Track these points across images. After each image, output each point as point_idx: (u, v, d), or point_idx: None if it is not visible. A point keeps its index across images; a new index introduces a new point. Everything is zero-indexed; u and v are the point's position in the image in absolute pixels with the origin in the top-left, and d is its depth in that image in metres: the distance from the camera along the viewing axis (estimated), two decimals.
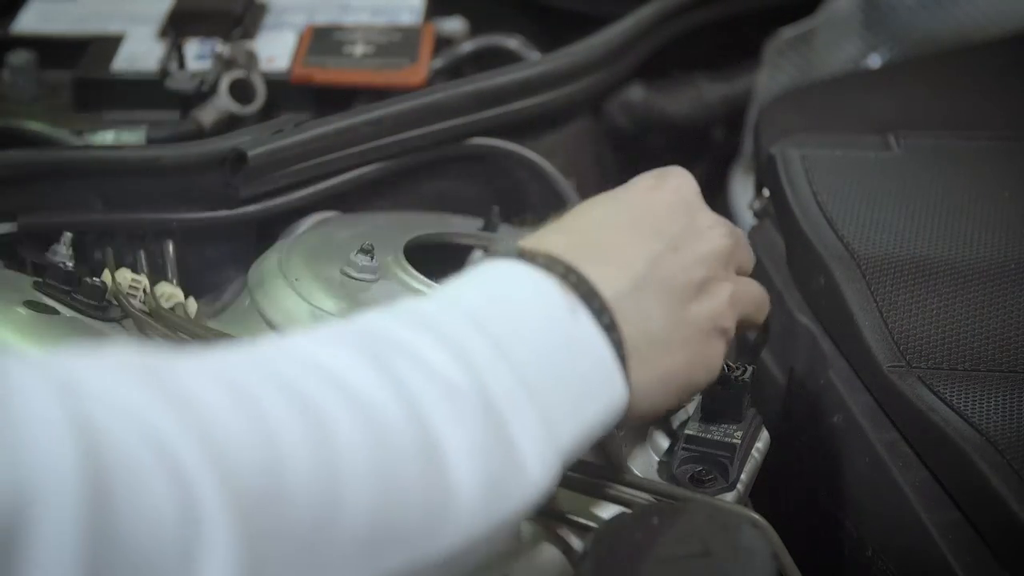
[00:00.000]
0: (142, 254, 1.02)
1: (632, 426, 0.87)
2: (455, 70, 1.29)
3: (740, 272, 0.83)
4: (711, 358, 0.78)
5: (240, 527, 0.53)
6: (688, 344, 0.76)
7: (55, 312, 0.90)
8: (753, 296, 0.84)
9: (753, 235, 1.16)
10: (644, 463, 0.87)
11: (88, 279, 0.92)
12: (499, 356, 0.66)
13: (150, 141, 1.13)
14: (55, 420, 0.50)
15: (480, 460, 0.62)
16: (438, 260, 0.99)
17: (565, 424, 0.68)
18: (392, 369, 0.62)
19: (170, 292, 0.97)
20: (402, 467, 0.60)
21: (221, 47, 1.22)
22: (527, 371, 0.66)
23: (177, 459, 0.52)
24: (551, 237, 0.74)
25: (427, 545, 0.60)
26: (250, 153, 1.03)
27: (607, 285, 0.72)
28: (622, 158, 1.37)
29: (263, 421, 0.56)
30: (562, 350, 0.69)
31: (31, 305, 0.90)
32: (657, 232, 0.77)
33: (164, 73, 1.19)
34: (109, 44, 1.25)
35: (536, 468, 0.65)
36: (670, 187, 0.82)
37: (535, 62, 1.25)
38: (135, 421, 0.52)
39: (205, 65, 1.20)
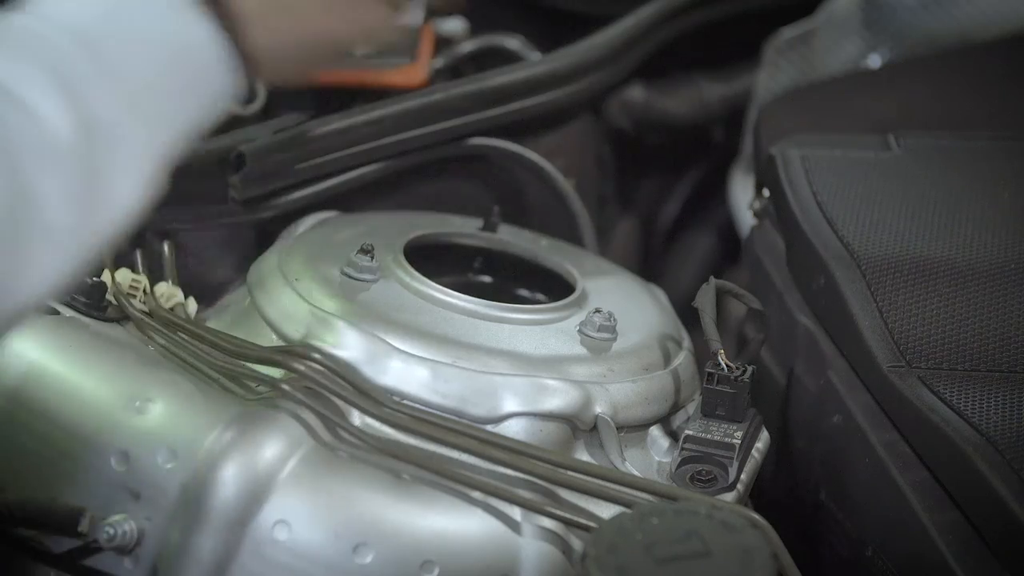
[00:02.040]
0: (142, 254, 1.02)
1: (630, 428, 0.88)
2: (455, 70, 1.28)
3: None
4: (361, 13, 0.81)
5: None
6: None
7: (55, 312, 0.90)
8: None
9: (753, 235, 1.16)
10: (644, 463, 0.87)
11: (88, 279, 0.92)
12: (102, 74, 0.70)
13: None
14: None
15: (73, 205, 0.67)
16: (438, 260, 0.99)
17: (167, 129, 0.72)
18: None
19: (170, 292, 0.97)
20: None
21: None
22: (131, 86, 0.70)
23: None
24: None
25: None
26: (249, 153, 1.03)
27: None
28: (622, 158, 1.37)
29: None
30: (164, 52, 0.73)
31: None
32: None
33: None
34: None
35: (128, 194, 0.70)
36: None
37: (535, 62, 1.25)
38: None
39: None
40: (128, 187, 0.71)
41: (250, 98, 1.11)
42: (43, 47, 0.69)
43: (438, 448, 0.82)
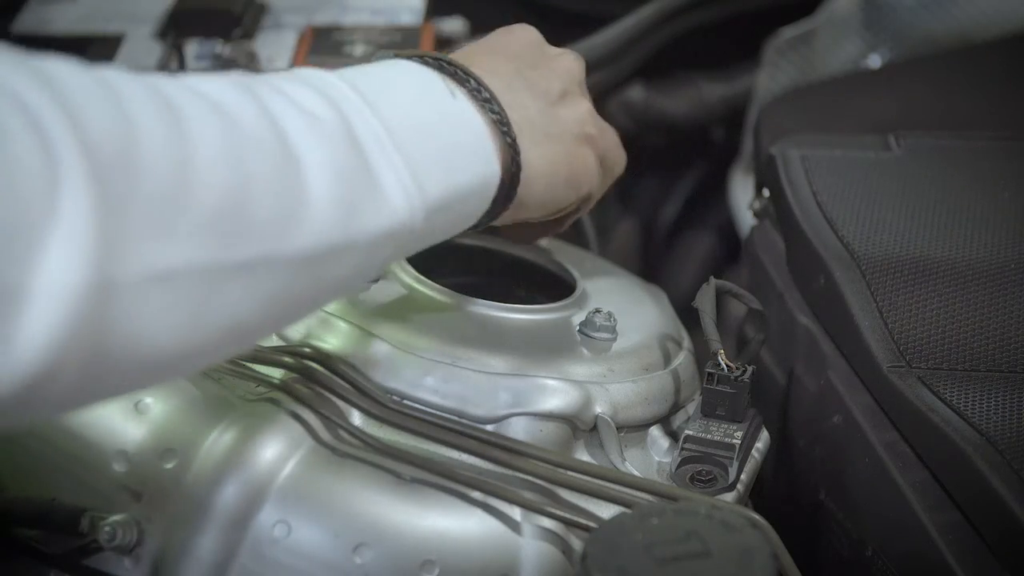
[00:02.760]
0: None
1: (630, 428, 0.88)
2: None
3: None
4: (587, 159, 0.86)
5: (96, 185, 0.57)
6: (564, 139, 0.85)
7: None
8: (610, 130, 0.92)
9: (753, 235, 1.16)
10: (644, 463, 0.87)
11: None
12: (368, 107, 0.71)
13: None
14: None
15: (336, 178, 0.67)
16: (438, 260, 0.99)
17: (432, 175, 0.73)
18: (262, 98, 0.67)
19: None
20: (257, 167, 0.64)
21: (221, 48, 1.22)
22: (396, 125, 0.72)
23: (40, 122, 0.56)
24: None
25: (279, 243, 0.65)
26: None
27: (483, 79, 0.79)
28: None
29: (123, 103, 0.60)
30: (436, 117, 0.75)
31: None
32: (517, 56, 0.86)
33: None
34: (109, 44, 1.24)
35: (397, 197, 0.70)
36: (518, 31, 0.91)
37: None
38: (5, 96, 0.56)
39: (205, 66, 1.20)
40: (392, 192, 0.70)
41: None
42: (316, 80, 0.72)
43: (438, 448, 0.82)
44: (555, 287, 1.00)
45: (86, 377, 0.59)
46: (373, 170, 0.70)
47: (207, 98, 0.64)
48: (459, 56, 0.83)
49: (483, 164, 0.77)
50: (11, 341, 0.56)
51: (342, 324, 0.86)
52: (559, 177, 0.84)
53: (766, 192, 1.15)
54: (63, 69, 0.60)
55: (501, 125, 0.79)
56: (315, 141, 0.67)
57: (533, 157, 0.81)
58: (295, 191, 0.65)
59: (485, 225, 0.83)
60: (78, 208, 0.57)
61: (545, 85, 0.85)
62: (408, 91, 0.76)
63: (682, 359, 0.93)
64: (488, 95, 0.79)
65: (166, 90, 0.63)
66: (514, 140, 0.79)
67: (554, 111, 0.85)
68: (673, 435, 0.89)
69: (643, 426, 0.89)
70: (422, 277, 0.93)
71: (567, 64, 0.89)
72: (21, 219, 0.55)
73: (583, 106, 0.88)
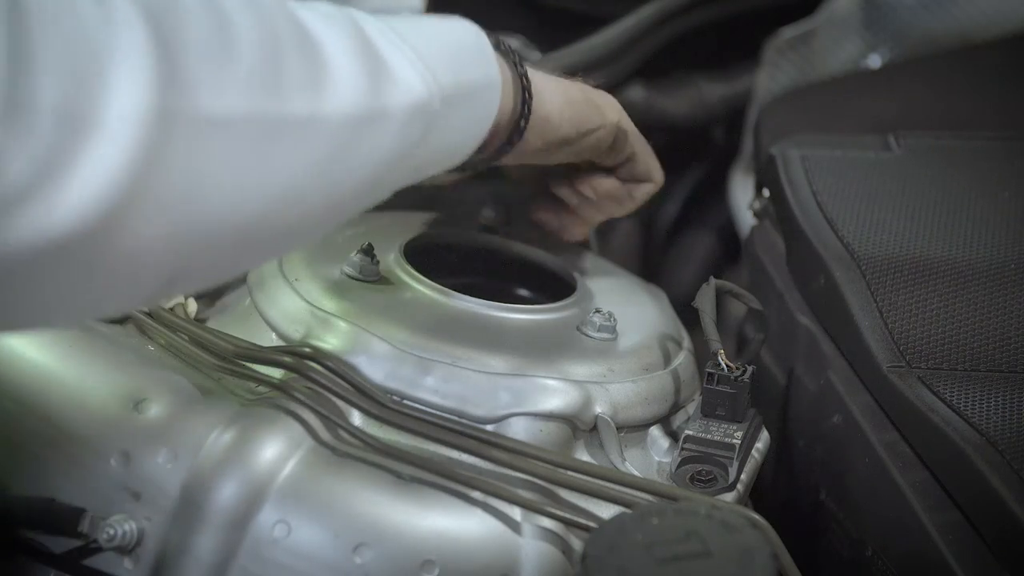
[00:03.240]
0: None
1: (630, 428, 0.88)
2: None
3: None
4: (604, 95, 0.96)
5: (150, 24, 0.62)
6: (575, 84, 0.95)
7: None
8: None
9: (753, 235, 1.16)
10: (644, 463, 0.87)
11: None
12: (378, 19, 0.77)
13: None
14: None
15: (352, 54, 0.72)
16: (438, 260, 0.99)
17: (440, 65, 0.78)
18: None
19: None
20: (283, 33, 0.69)
21: None
22: (398, 26, 0.77)
23: None
24: None
25: (318, 101, 0.69)
26: None
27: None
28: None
29: None
30: (437, 26, 0.82)
31: None
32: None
33: None
34: None
35: (412, 77, 0.75)
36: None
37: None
38: None
39: None
40: (404, 72, 0.75)
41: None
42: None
43: (438, 448, 0.82)
44: (555, 287, 1.00)
45: (157, 211, 0.62)
46: (383, 53, 0.75)
47: None
48: None
49: (486, 64, 0.83)
50: (86, 165, 0.59)
51: (342, 324, 0.86)
52: (573, 93, 0.92)
53: (766, 192, 1.15)
54: None
55: (499, 44, 0.86)
56: (324, 24, 0.72)
57: (540, 77, 0.90)
58: (319, 57, 0.70)
59: (519, 136, 0.88)
60: (136, 42, 0.61)
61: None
62: (416, 17, 0.84)
63: (682, 359, 0.93)
64: (517, 59, 0.88)
65: None
66: (514, 53, 0.87)
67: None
68: (673, 435, 0.89)
69: (643, 426, 0.89)
70: (422, 277, 0.93)
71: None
72: (84, 51, 0.59)
73: None
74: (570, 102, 0.92)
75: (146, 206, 0.62)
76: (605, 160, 0.97)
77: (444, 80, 0.78)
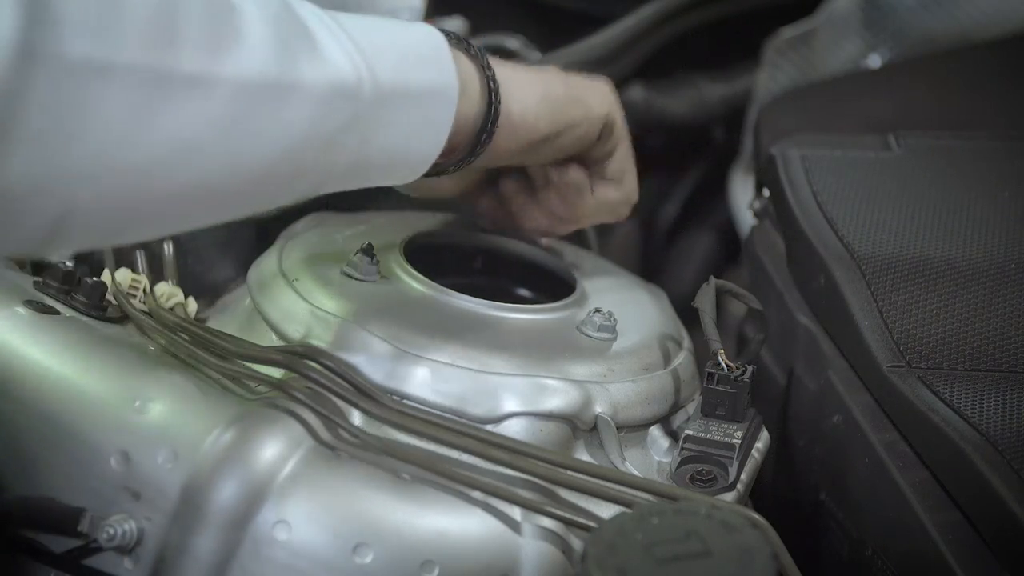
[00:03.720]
0: (142, 254, 1.02)
1: (630, 428, 0.88)
2: None
3: None
4: (594, 84, 0.94)
5: None
6: (557, 76, 0.92)
7: (55, 312, 0.90)
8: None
9: (753, 235, 1.16)
10: (644, 463, 0.87)
11: (88, 279, 0.92)
12: (326, 12, 0.77)
13: None
14: None
15: (270, 21, 0.72)
16: (438, 260, 0.99)
17: (382, 60, 0.77)
18: None
19: (170, 292, 0.97)
20: None
21: None
22: (344, 20, 0.77)
23: None
24: None
25: (214, 63, 0.69)
26: None
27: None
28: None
29: None
30: (391, 26, 0.81)
31: (31, 305, 0.90)
32: None
33: None
34: None
35: (339, 57, 0.75)
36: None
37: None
38: None
39: None
40: (330, 49, 0.75)
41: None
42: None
43: (438, 448, 0.82)
44: (555, 287, 1.00)
45: (25, 147, 0.64)
46: (311, 31, 0.74)
47: None
48: None
49: (439, 69, 0.82)
50: None
51: (342, 324, 0.86)
52: (553, 89, 0.90)
53: (766, 192, 1.15)
54: None
55: (463, 48, 0.85)
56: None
57: (514, 76, 0.87)
58: (230, 21, 0.70)
59: (488, 139, 0.86)
60: None
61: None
62: (382, 19, 0.83)
63: (682, 359, 0.93)
64: (477, 52, 0.86)
65: None
66: (481, 57, 0.85)
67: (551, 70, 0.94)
68: (673, 435, 0.89)
69: (643, 426, 0.89)
70: (422, 277, 0.93)
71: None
72: None
73: None
74: (547, 99, 0.90)
75: (11, 141, 0.63)
76: (593, 152, 0.96)
77: (382, 75, 0.77)
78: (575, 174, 0.96)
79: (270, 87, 0.72)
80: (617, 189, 0.98)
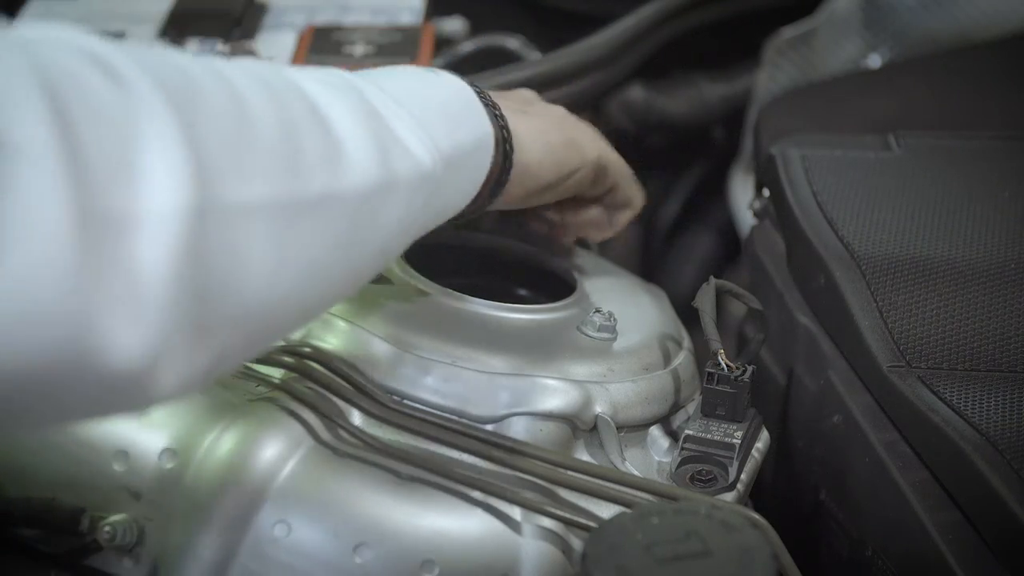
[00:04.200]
0: None
1: (630, 428, 0.88)
2: (455, 70, 1.28)
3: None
4: (581, 126, 0.95)
5: (175, 112, 0.61)
6: (550, 115, 0.95)
7: None
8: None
9: (753, 235, 1.16)
10: (644, 463, 0.87)
11: None
12: (368, 81, 0.77)
13: None
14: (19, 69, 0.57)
15: (360, 125, 0.72)
16: (438, 260, 0.99)
17: (438, 130, 0.78)
18: (271, 68, 0.73)
19: None
20: (295, 113, 0.69)
21: (221, 47, 1.22)
22: (395, 92, 0.78)
23: (108, 61, 0.61)
24: None
25: (334, 179, 0.69)
26: None
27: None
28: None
29: (167, 55, 0.66)
30: (429, 89, 0.82)
31: None
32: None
33: None
34: None
35: (417, 147, 0.76)
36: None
37: (535, 62, 1.25)
38: (74, 50, 0.61)
39: None
40: (411, 142, 0.75)
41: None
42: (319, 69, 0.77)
43: (438, 448, 0.82)
44: (555, 287, 1.00)
45: (196, 307, 0.61)
46: (388, 122, 0.75)
47: (225, 64, 0.68)
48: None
49: (477, 122, 0.83)
50: (128, 268, 0.57)
51: (342, 324, 0.86)
52: (552, 137, 0.91)
53: (766, 192, 1.15)
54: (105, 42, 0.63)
55: (481, 95, 0.85)
56: (332, 97, 0.72)
57: (520, 124, 0.88)
58: (331, 134, 0.70)
59: (501, 189, 0.87)
60: (165, 132, 0.60)
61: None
62: (401, 72, 0.83)
63: (682, 359, 0.93)
64: (467, 80, 0.86)
65: (190, 59, 0.67)
66: (495, 105, 0.86)
67: (539, 107, 0.96)
68: (673, 435, 0.89)
69: (643, 426, 0.89)
70: (422, 277, 0.93)
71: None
72: (114, 144, 0.58)
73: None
74: (549, 148, 0.91)
75: (187, 304, 0.60)
76: (588, 193, 0.98)
77: (443, 145, 0.78)
78: (591, 214, 1.00)
79: (376, 191, 0.72)
80: (630, 210, 1.02)
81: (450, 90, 0.84)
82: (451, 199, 0.83)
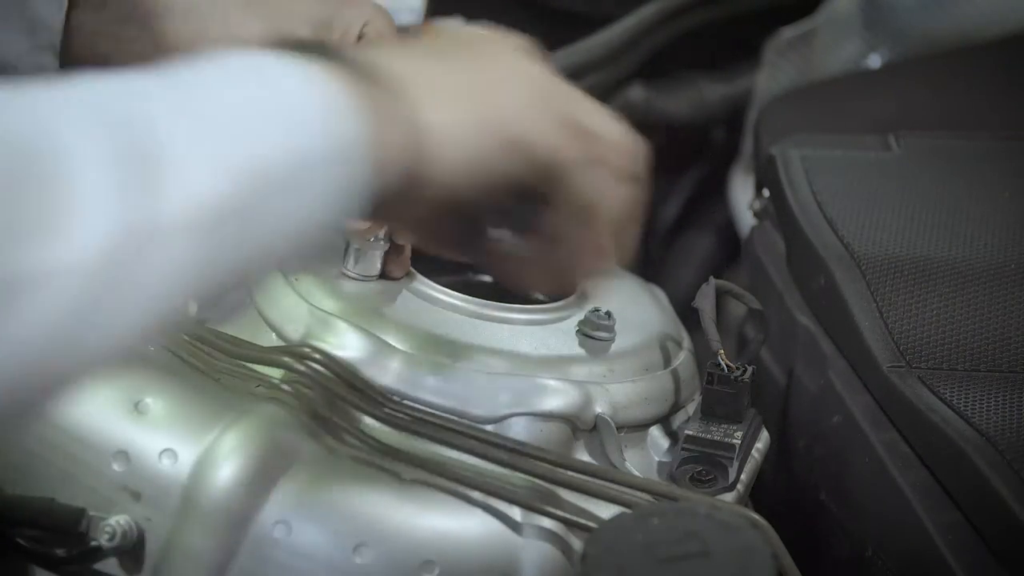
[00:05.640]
0: None
1: (630, 428, 0.88)
2: None
3: None
4: (545, 113, 0.76)
5: None
6: (503, 96, 0.74)
7: None
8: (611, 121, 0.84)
9: (753, 235, 1.16)
10: (644, 463, 0.87)
11: None
12: (167, 102, 0.63)
13: None
14: None
15: (110, 172, 0.59)
16: (438, 260, 0.99)
17: (243, 150, 0.63)
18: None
19: None
20: (15, 167, 0.57)
21: None
22: (203, 111, 0.63)
23: None
24: None
25: (51, 246, 0.57)
26: None
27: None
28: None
29: None
30: (257, 99, 0.65)
31: None
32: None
33: None
34: None
35: (197, 182, 0.61)
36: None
37: None
38: None
39: None
40: (194, 185, 0.61)
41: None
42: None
43: (438, 448, 0.82)
44: None
45: None
46: (156, 161, 0.61)
47: None
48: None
49: (319, 130, 0.65)
50: None
51: (342, 324, 0.86)
52: (483, 137, 0.71)
53: (766, 192, 1.15)
54: None
55: (372, 80, 0.67)
56: (83, 142, 0.60)
57: (438, 114, 0.69)
58: (61, 194, 0.58)
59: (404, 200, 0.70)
60: None
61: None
62: (224, 80, 0.66)
63: (682, 359, 0.93)
64: (359, 63, 0.68)
65: None
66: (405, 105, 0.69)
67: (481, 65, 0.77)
68: (673, 435, 0.89)
69: (643, 426, 0.89)
70: (422, 277, 0.93)
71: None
72: None
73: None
74: (475, 151, 0.71)
75: None
76: (558, 208, 0.77)
77: (250, 166, 0.63)
78: (571, 235, 0.78)
79: (124, 250, 0.59)
80: (567, 249, 0.79)
81: (291, 93, 0.66)
82: (279, 224, 0.65)
